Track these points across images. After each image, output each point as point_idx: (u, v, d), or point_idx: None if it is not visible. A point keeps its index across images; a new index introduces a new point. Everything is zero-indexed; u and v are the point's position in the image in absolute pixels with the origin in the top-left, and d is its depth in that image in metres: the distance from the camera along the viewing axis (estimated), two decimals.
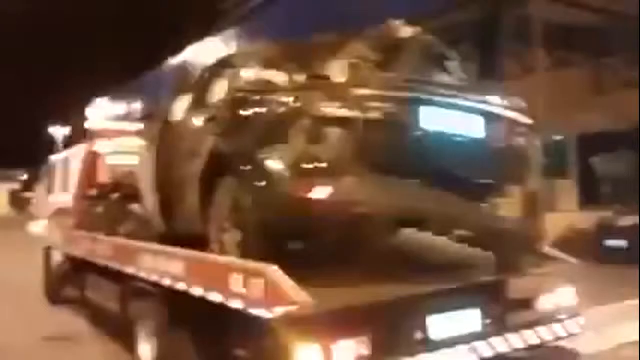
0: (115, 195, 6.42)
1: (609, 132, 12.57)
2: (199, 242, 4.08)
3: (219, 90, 4.28)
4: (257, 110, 3.58)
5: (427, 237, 3.33)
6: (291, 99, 3.40)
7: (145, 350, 4.81)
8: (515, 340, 3.54)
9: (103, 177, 7.54)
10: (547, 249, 4.02)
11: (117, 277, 5.30)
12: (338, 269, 3.23)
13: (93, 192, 7.21)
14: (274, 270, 3.05)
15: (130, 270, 4.83)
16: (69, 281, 7.84)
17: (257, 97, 3.65)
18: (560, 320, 3.74)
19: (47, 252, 8.49)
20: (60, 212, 8.09)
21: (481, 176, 3.39)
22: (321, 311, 2.89)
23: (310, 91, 3.35)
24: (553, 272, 3.88)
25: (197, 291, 3.73)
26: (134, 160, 6.51)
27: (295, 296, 2.90)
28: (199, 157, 4.09)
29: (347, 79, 3.32)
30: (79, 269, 7.24)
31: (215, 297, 3.49)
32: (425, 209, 3.22)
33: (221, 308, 3.51)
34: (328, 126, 3.20)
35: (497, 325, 3.51)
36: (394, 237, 3.23)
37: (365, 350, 3.02)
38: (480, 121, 3.48)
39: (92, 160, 7.63)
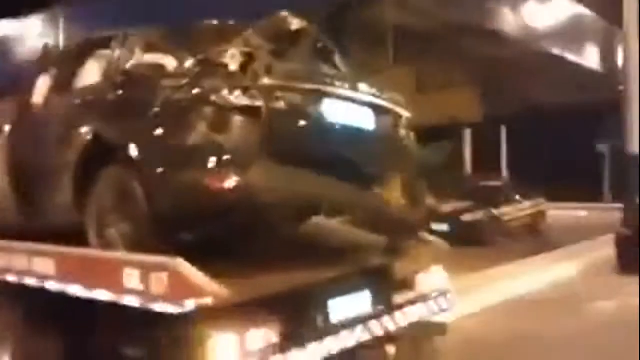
0: None
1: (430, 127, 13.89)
2: (69, 235, 3.75)
3: (93, 72, 3.95)
4: (149, 95, 3.38)
5: (325, 224, 3.43)
6: (188, 85, 3.28)
7: None
8: (400, 318, 3.81)
9: None
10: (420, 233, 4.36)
11: None
12: (241, 260, 3.19)
13: None
14: (180, 263, 2.92)
15: None
16: None
17: (148, 81, 3.44)
18: (434, 298, 4.10)
19: None
20: None
21: (372, 165, 3.59)
22: (233, 302, 2.85)
23: (210, 77, 3.26)
24: (427, 253, 4.23)
25: (74, 290, 3.45)
26: None
27: (208, 288, 2.83)
28: (70, 144, 3.76)
29: (251, 67, 3.28)
30: None
31: (101, 295, 3.25)
32: (323, 196, 3.33)
33: (103, 307, 3.31)
34: (231, 114, 3.15)
35: (386, 304, 3.75)
36: (295, 226, 3.27)
37: (275, 338, 3.05)
38: (369, 113, 3.67)
39: None
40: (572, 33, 14.63)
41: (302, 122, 3.31)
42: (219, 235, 3.18)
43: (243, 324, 2.93)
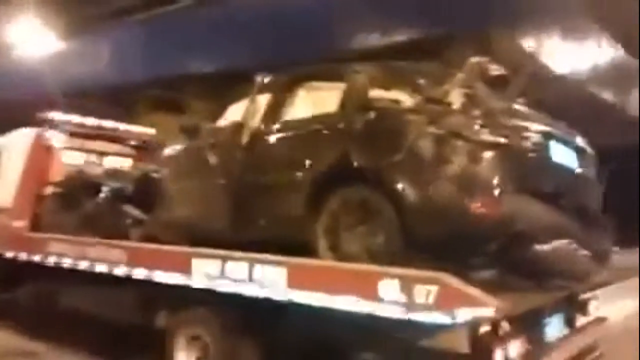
0: (105, 196, 5.99)
1: None
2: (290, 247, 4.13)
3: (317, 101, 4.39)
4: (398, 126, 3.82)
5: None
6: (436, 120, 3.72)
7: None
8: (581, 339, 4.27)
9: (58, 174, 6.85)
10: None
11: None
12: (487, 278, 3.61)
13: (56, 190, 6.56)
14: (450, 277, 3.33)
15: (178, 278, 4.61)
16: None
17: (395, 114, 3.89)
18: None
19: None
20: None
21: (584, 200, 4.05)
22: (510, 314, 3.27)
23: (456, 115, 3.72)
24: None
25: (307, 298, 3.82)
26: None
27: (485, 300, 3.23)
28: (305, 165, 4.18)
29: (485, 106, 3.75)
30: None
31: (351, 304, 3.63)
32: (552, 225, 3.77)
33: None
34: (482, 149, 3.60)
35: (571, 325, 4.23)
36: (534, 249, 3.69)
37: (526, 346, 3.47)
38: (579, 153, 4.14)
39: (46, 155, 6.88)
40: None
41: (538, 159, 3.76)
42: (467, 255, 3.59)
43: (509, 335, 3.35)
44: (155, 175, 5.60)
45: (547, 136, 3.86)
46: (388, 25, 9.81)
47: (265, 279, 4.09)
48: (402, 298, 3.44)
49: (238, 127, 4.67)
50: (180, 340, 4.74)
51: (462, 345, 3.74)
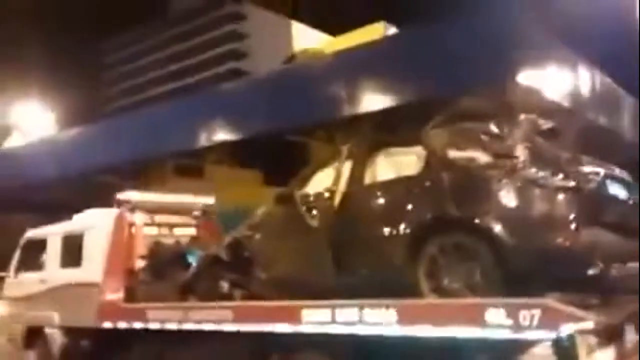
0: (200, 263, 6.71)
1: None
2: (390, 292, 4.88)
3: (405, 165, 5.23)
4: (484, 181, 4.65)
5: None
6: (513, 173, 4.56)
7: None
8: None
9: (142, 249, 7.57)
10: None
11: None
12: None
13: (146, 263, 7.28)
14: (551, 300, 4.09)
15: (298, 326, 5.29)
16: None
17: (477, 171, 4.72)
18: None
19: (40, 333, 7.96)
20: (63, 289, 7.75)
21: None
22: (604, 325, 4.02)
23: (529, 166, 4.57)
24: None
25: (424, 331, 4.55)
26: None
27: (582, 315, 3.98)
28: (399, 220, 4.97)
29: (559, 156, 4.61)
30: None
31: (467, 332, 4.36)
32: (618, 250, 4.57)
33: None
34: (556, 193, 4.42)
35: None
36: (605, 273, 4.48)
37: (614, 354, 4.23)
38: (624, 186, 4.98)
39: (129, 232, 7.61)
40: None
41: (601, 196, 4.58)
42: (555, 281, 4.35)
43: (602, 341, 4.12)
44: (245, 239, 6.33)
45: (604, 175, 4.70)
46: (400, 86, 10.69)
47: (378, 320, 4.82)
48: (509, 322, 4.20)
49: (330, 192, 5.47)
50: None
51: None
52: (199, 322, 6.11)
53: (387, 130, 5.89)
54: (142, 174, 16.27)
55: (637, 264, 4.72)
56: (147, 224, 7.94)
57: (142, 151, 15.33)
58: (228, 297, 6.30)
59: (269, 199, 6.27)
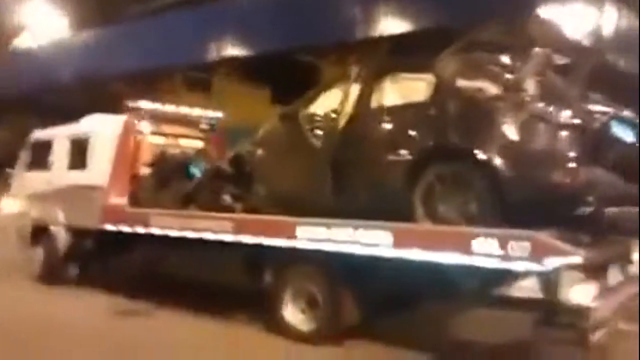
0: (204, 175, 6.84)
1: None
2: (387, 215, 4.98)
3: (414, 91, 5.19)
4: (487, 112, 4.61)
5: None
6: (520, 106, 4.51)
7: (295, 314, 5.58)
8: None
9: (147, 157, 7.67)
10: None
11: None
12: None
13: (151, 170, 7.40)
14: (542, 234, 4.16)
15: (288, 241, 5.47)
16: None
17: (483, 101, 4.68)
18: None
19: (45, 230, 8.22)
20: (69, 191, 7.94)
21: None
22: (594, 261, 4.13)
23: (537, 100, 4.52)
24: None
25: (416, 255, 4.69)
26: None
27: (572, 251, 4.08)
28: (401, 145, 5.00)
29: (568, 93, 4.54)
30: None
31: (458, 258, 4.48)
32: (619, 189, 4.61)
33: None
34: (561, 129, 4.40)
35: None
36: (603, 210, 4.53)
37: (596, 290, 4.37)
38: (629, 129, 4.93)
39: (136, 138, 7.70)
40: None
41: (605, 136, 4.56)
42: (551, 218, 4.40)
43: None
44: (248, 155, 6.39)
45: (611, 116, 4.65)
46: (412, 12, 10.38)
47: (372, 240, 4.95)
48: (498, 252, 4.30)
49: (336, 113, 5.46)
50: (287, 294, 5.65)
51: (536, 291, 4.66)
52: (198, 230, 6.28)
53: (400, 56, 5.78)
54: (152, 84, 16.24)
55: (633, 207, 4.76)
56: (154, 133, 8.00)
57: (153, 60, 15.22)
58: (229, 209, 6.44)
59: (275, 116, 6.29)
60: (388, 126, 5.24)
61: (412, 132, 5.01)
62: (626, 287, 4.96)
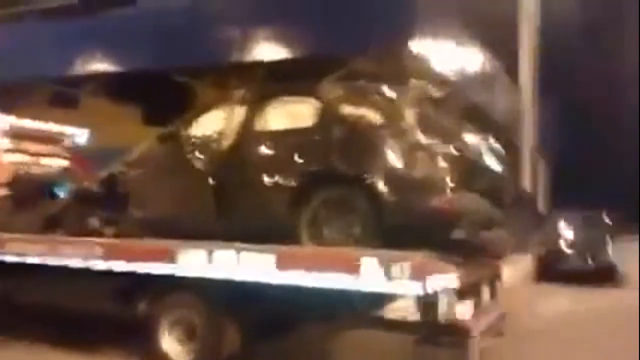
0: (70, 197, 6.31)
1: None
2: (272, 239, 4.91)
3: (299, 115, 5.20)
4: (369, 139, 4.77)
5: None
6: (403, 136, 4.70)
7: (172, 345, 5.28)
8: None
9: (3, 177, 6.95)
10: None
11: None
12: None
13: (7, 191, 6.69)
14: (422, 254, 4.31)
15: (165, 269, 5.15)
16: None
17: (366, 128, 4.81)
18: None
19: None
20: None
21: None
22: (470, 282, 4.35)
23: (417, 130, 4.74)
24: None
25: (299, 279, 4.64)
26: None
27: (450, 269, 4.27)
28: (287, 170, 4.98)
29: (445, 124, 4.81)
30: None
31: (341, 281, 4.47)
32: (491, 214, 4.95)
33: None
34: (439, 159, 4.64)
35: None
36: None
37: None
38: (498, 155, 5.34)
39: None
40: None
41: (479, 165, 4.89)
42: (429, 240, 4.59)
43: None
44: (122, 176, 6.03)
45: (482, 146, 5.00)
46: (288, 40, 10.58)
47: (255, 265, 4.83)
48: (381, 273, 4.38)
49: (219, 135, 5.33)
50: (164, 324, 5.33)
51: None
52: (64, 256, 5.76)
53: (280, 81, 5.81)
54: (9, 97, 14.91)
55: (500, 231, 5.14)
56: (11, 150, 7.30)
57: (12, 71, 13.99)
58: (98, 234, 5.99)
59: (149, 137, 6.00)
60: (273, 150, 5.21)
61: (297, 157, 5.02)
62: (494, 306, 5.32)
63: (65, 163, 7.90)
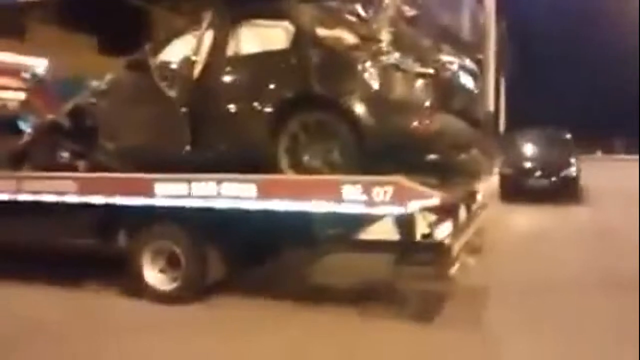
0: (36, 130, 6.07)
1: None
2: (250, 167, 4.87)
3: (272, 39, 5.03)
4: (347, 61, 4.65)
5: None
6: (378, 56, 4.62)
7: (154, 275, 5.32)
8: None
9: None
10: None
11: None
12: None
13: None
14: (402, 178, 4.35)
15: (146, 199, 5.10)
16: None
17: (343, 50, 4.70)
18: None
19: None
20: None
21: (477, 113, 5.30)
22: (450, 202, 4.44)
23: (393, 50, 4.66)
24: None
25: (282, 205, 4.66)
26: None
27: (430, 194, 4.34)
28: (267, 94, 4.86)
29: (415, 43, 4.75)
30: None
31: (324, 207, 4.52)
32: (463, 134, 4.99)
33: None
34: (416, 79, 4.60)
35: None
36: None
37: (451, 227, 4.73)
38: (473, 75, 5.34)
39: None
40: None
41: (455, 85, 4.87)
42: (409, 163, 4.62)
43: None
44: (90, 107, 5.81)
45: (458, 66, 4.97)
46: None
47: (236, 194, 4.81)
48: (363, 198, 4.43)
49: (190, 61, 5.15)
50: (146, 255, 5.33)
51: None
52: (36, 193, 5.62)
53: (247, 3, 5.57)
54: None
55: (475, 151, 5.21)
56: None
57: None
58: (70, 167, 5.83)
59: (108, 66, 5.74)
60: (247, 75, 5.08)
61: (272, 81, 4.90)
62: (471, 224, 5.46)
63: (23, 96, 7.57)
